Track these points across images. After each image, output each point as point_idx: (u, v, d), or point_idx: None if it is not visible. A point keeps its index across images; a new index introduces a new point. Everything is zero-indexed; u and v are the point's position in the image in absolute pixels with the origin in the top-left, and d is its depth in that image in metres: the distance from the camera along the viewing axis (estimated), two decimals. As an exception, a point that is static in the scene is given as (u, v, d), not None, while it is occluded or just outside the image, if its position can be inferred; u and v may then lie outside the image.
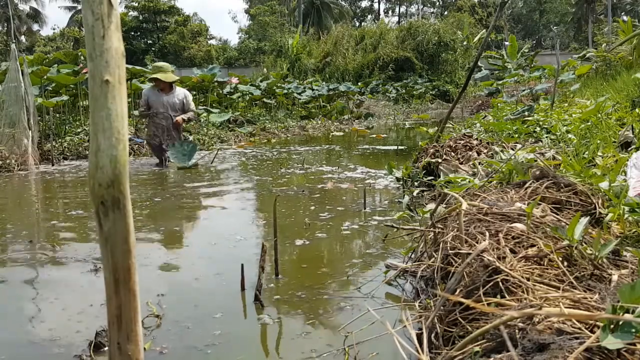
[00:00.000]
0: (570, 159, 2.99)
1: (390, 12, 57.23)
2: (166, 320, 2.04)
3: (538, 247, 1.66)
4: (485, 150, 4.34)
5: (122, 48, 0.92)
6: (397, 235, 3.06)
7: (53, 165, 6.88)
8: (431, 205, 2.77)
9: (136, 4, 40.10)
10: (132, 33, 39.25)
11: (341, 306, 2.15)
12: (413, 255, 2.50)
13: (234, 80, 13.02)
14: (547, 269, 1.56)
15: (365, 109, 17.21)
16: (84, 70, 8.45)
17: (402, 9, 57.83)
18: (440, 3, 55.63)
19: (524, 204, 2.12)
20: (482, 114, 9.69)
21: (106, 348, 1.75)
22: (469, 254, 1.65)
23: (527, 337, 1.17)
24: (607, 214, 2.04)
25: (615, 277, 1.50)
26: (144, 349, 1.81)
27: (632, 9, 42.82)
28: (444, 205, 2.53)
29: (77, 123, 8.62)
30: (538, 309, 1.22)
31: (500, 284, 1.47)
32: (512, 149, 3.55)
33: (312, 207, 4.02)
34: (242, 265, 2.32)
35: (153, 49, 38.74)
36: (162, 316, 2.07)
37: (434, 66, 25.40)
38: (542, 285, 1.46)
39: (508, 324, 1.23)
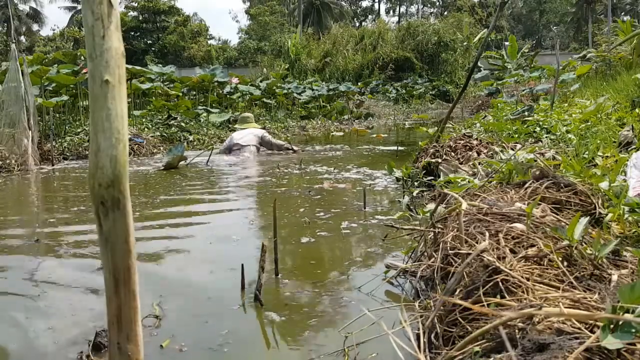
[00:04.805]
0: (570, 159, 2.99)
1: (391, 12, 57.33)
2: (168, 319, 2.04)
3: (538, 247, 1.66)
4: (485, 150, 4.34)
5: (122, 48, 0.93)
6: (397, 235, 3.05)
7: (53, 165, 6.87)
8: (431, 205, 2.77)
9: (136, 4, 40.14)
10: (132, 33, 39.28)
11: (341, 306, 2.15)
12: (413, 255, 2.50)
13: (235, 80, 13.03)
14: (547, 269, 1.56)
15: (365, 109, 17.22)
16: (84, 70, 8.45)
17: (402, 8, 57.91)
18: (440, 3, 55.65)
19: (524, 204, 2.12)
20: (482, 114, 9.68)
21: (106, 348, 1.75)
22: (469, 254, 1.65)
23: (527, 337, 1.17)
24: (607, 214, 2.04)
25: (615, 277, 1.50)
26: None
27: (632, 9, 42.85)
28: (444, 205, 2.53)
29: (77, 123, 8.62)
30: (537, 309, 1.22)
31: (500, 284, 1.48)
32: (512, 149, 3.55)
33: (313, 207, 4.02)
34: (243, 265, 2.32)
35: (153, 49, 38.79)
36: (162, 316, 2.07)
37: (434, 66, 25.44)
38: (542, 285, 1.46)
39: (508, 324, 1.23)
